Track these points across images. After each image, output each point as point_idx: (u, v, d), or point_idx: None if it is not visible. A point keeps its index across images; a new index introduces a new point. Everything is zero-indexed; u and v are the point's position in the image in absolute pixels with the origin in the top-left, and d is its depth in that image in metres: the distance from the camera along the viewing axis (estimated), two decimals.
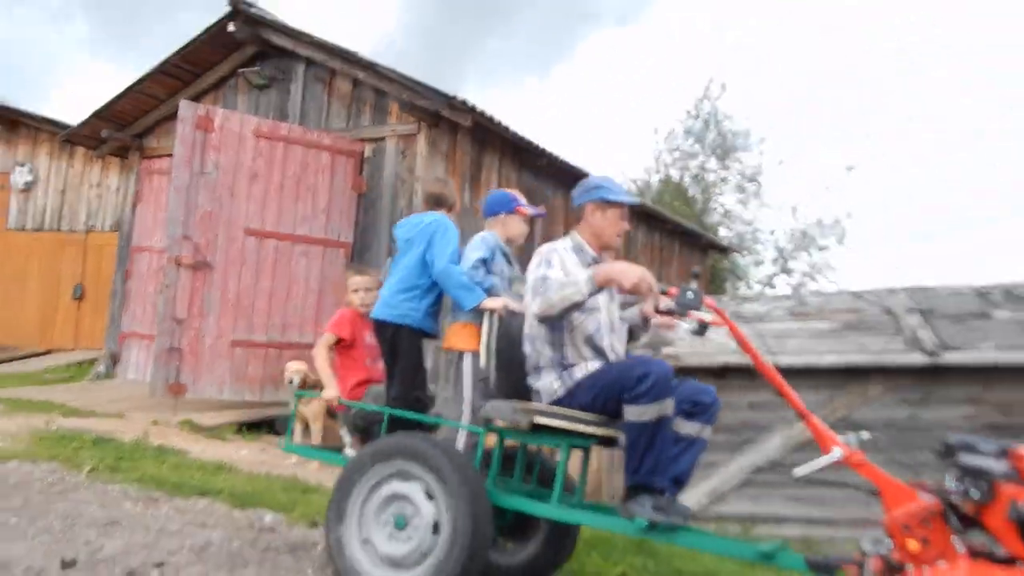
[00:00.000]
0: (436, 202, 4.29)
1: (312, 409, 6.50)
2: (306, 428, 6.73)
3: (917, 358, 6.37)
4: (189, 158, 8.25)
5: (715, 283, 19.23)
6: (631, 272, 3.01)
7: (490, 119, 8.86)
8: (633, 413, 2.94)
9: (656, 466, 2.96)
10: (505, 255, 4.08)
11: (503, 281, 3.97)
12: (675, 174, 22.17)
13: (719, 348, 7.00)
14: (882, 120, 47.54)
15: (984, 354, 6.28)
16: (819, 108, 46.53)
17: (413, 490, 3.00)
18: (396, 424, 3.54)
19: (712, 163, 21.86)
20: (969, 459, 2.57)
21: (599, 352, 3.29)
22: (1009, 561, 2.44)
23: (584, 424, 3.09)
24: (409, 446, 3.03)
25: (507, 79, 62.12)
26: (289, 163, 8.87)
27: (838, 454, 2.81)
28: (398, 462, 3.02)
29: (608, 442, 3.33)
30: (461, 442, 3.72)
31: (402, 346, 3.91)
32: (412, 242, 4.08)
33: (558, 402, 3.18)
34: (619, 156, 52.17)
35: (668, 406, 2.95)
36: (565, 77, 56.25)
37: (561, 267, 3.21)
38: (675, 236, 15.75)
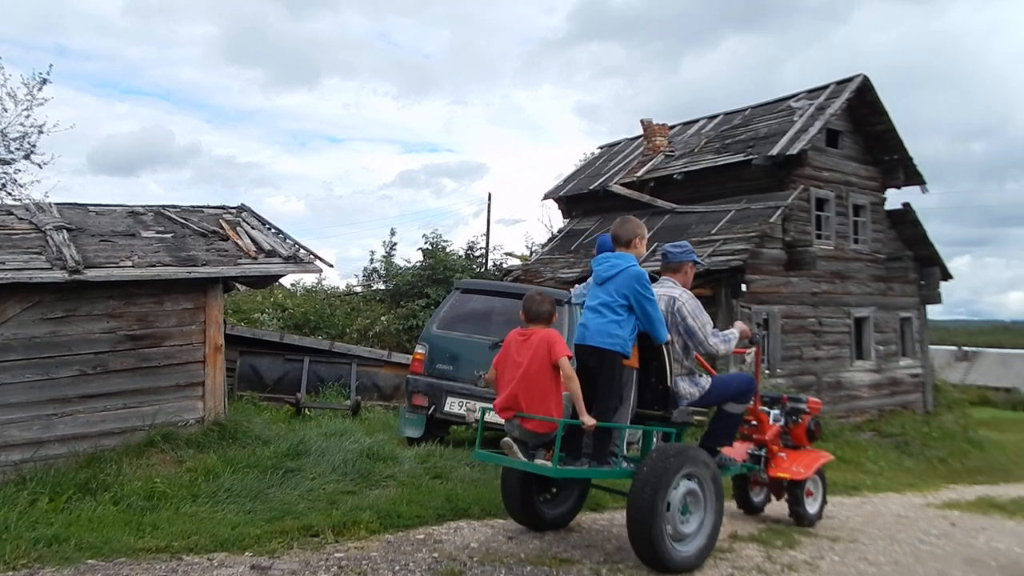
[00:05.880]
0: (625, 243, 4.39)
1: None
2: None
3: (58, 275, 5.87)
4: None
5: None
6: (745, 327, 4.76)
7: None
8: (738, 409, 4.74)
9: (730, 437, 4.84)
10: None
11: None
12: None
13: None
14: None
15: (125, 271, 6.17)
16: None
17: (696, 486, 4.12)
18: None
19: None
20: (793, 404, 5.50)
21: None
22: (796, 447, 5.49)
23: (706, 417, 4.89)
24: (700, 457, 4.20)
25: None
26: None
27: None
28: (695, 467, 4.11)
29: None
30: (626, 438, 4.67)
31: (612, 370, 4.16)
32: (614, 281, 4.23)
33: (696, 403, 4.50)
34: None
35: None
36: None
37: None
38: None
